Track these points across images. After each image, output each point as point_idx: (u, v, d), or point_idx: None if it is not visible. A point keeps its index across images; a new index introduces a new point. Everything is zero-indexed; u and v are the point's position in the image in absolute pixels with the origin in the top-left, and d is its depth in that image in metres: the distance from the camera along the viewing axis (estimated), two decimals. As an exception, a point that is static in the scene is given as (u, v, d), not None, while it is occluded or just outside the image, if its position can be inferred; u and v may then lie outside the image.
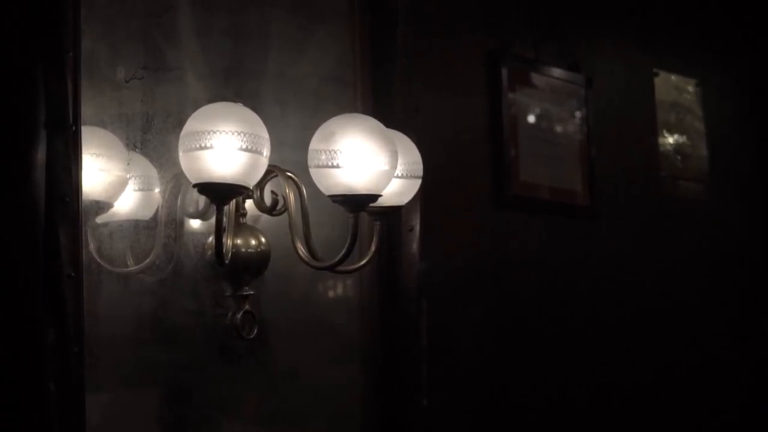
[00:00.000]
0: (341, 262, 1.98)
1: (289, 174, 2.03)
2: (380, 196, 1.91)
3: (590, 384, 3.16)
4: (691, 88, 3.78)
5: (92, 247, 1.88)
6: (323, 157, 1.87)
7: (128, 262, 1.96)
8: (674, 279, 3.54)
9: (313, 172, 1.90)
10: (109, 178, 1.85)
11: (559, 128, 3.16)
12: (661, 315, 3.47)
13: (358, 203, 1.91)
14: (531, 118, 3.03)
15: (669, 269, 3.52)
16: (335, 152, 1.86)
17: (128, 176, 1.91)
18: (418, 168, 2.07)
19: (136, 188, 1.95)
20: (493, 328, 2.85)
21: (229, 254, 1.98)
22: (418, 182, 2.08)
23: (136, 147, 1.97)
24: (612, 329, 3.25)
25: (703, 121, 3.81)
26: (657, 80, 3.62)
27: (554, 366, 3.05)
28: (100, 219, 1.89)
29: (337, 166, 1.86)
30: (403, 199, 2.07)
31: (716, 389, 3.65)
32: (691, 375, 3.55)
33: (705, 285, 3.67)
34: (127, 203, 1.94)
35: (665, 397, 3.43)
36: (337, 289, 2.40)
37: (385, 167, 1.88)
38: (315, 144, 1.89)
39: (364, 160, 1.85)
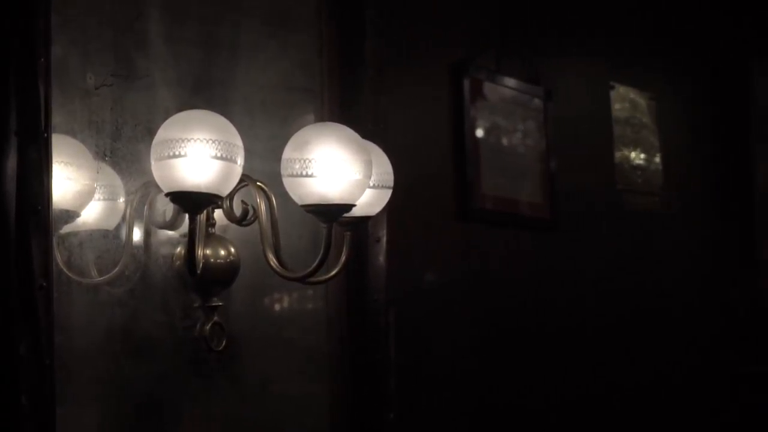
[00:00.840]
0: (314, 272, 1.96)
1: (259, 184, 2.00)
2: (354, 206, 1.89)
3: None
4: (644, 102, 3.83)
5: (60, 257, 1.84)
6: (297, 166, 1.84)
7: (96, 273, 1.92)
8: (642, 289, 3.59)
9: (286, 181, 1.87)
10: (77, 187, 1.80)
11: (519, 140, 3.17)
12: (644, 317, 3.56)
13: (332, 213, 1.88)
14: (492, 131, 3.03)
15: (641, 279, 3.58)
16: (309, 161, 1.83)
17: (96, 185, 1.87)
18: (389, 178, 2.05)
19: (103, 197, 1.92)
20: (464, 337, 2.86)
21: (200, 265, 1.95)
22: (388, 192, 2.06)
23: (105, 155, 1.93)
24: (601, 332, 3.33)
25: (658, 134, 3.85)
26: (613, 93, 3.66)
27: (539, 368, 3.09)
28: (67, 229, 1.85)
29: (311, 176, 1.83)
30: (374, 210, 2.05)
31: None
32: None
33: (675, 290, 3.74)
34: (94, 213, 1.90)
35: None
36: (305, 300, 2.38)
37: (359, 176, 1.86)
38: (288, 153, 1.86)
39: (339, 169, 1.83)
